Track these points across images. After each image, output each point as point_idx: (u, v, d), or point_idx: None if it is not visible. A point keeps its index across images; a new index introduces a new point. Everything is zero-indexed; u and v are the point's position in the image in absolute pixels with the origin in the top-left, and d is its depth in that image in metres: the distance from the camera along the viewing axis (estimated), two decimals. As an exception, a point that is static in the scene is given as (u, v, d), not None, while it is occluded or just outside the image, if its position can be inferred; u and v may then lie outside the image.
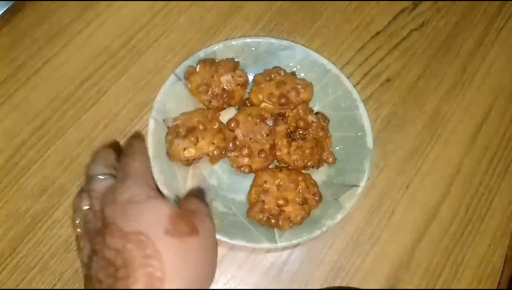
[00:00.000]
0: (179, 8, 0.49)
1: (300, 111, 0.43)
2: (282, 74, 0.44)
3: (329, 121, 0.44)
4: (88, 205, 0.33)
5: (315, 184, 0.42)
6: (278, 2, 0.50)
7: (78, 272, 0.39)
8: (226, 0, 0.50)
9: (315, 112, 0.44)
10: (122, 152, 0.38)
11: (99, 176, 0.34)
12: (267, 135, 0.42)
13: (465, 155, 0.46)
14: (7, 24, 0.46)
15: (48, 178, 0.42)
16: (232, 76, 0.43)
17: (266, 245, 0.39)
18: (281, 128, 0.42)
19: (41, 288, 0.39)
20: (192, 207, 0.34)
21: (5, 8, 0.44)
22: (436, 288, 0.42)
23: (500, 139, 0.47)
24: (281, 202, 0.40)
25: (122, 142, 0.44)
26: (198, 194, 0.41)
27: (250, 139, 0.42)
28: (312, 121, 0.43)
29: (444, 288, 0.42)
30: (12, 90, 0.44)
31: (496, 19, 0.52)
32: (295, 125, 0.43)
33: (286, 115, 0.43)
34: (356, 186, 0.41)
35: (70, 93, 0.45)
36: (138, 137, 0.43)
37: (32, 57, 0.46)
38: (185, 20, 0.49)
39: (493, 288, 0.42)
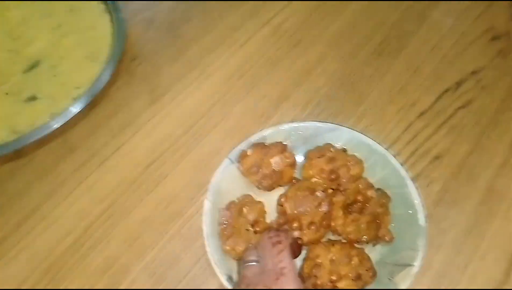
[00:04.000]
0: (235, 98, 0.54)
1: (360, 185, 0.44)
2: (333, 150, 0.46)
3: (390, 199, 0.44)
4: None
5: (369, 259, 0.41)
6: (325, 88, 0.54)
7: None
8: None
9: (376, 188, 0.45)
10: (267, 244, 0.37)
11: (251, 263, 0.36)
12: (316, 207, 0.43)
13: (527, 232, 0.44)
14: (85, 117, 0.53)
15: (111, 257, 0.45)
16: (281, 158, 0.46)
17: (320, 324, 0.38)
18: (338, 199, 0.43)
19: None
20: None
21: (84, 104, 0.51)
22: None
23: None
24: (334, 277, 0.40)
25: (180, 222, 0.46)
26: None
27: (300, 212, 0.43)
28: (371, 196, 0.44)
29: None
30: (85, 175, 0.49)
31: (544, 94, 0.52)
32: (353, 198, 0.44)
33: (343, 188, 0.44)
34: (410, 265, 0.40)
35: (136, 176, 0.49)
36: (285, 232, 0.41)
37: (105, 145, 0.51)
38: (240, 108, 0.53)
39: None
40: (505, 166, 0.47)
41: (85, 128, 0.53)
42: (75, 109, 0.50)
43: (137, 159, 0.50)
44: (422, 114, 0.51)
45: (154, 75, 0.56)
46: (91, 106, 0.52)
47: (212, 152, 0.50)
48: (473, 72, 0.54)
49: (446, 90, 0.52)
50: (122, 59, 0.56)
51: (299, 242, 0.42)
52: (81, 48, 0.56)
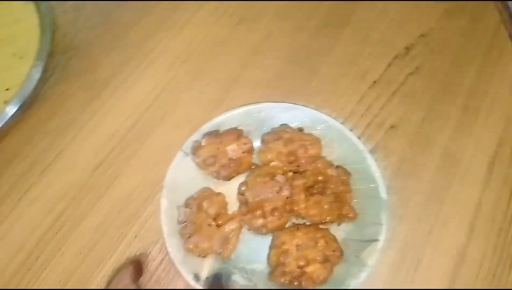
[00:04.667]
0: (181, 85, 0.51)
1: (319, 165, 0.43)
2: (289, 131, 0.45)
3: (350, 175, 0.44)
4: None
5: (335, 239, 0.41)
6: (274, 67, 0.52)
7: None
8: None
9: (336, 165, 0.44)
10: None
11: None
12: (277, 193, 0.42)
13: (483, 192, 0.45)
14: (19, 122, 0.48)
15: (68, 270, 0.42)
16: (237, 145, 0.44)
17: (292, 313, 0.38)
18: (299, 182, 0.42)
19: None
20: None
21: (17, 108, 0.46)
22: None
23: (517, 170, 0.46)
24: (301, 263, 0.39)
25: (137, 224, 0.44)
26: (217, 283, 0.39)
27: (261, 199, 0.42)
28: (331, 175, 0.43)
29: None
30: (27, 186, 0.46)
31: (490, 51, 0.52)
32: (314, 179, 0.43)
33: (303, 170, 0.43)
34: (376, 240, 0.40)
35: (84, 181, 0.46)
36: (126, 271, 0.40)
37: (45, 151, 0.47)
38: (187, 95, 0.51)
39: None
40: (458, 129, 0.48)
41: (20, 134, 0.48)
42: (7, 113, 0.46)
43: (83, 163, 0.47)
44: (373, 84, 0.50)
45: (90, 68, 0.52)
46: (24, 109, 0.48)
47: (163, 146, 0.47)
48: (421, 35, 0.53)
49: (396, 57, 0.52)
50: (53, 53, 0.52)
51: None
52: (7, 45, 0.51)
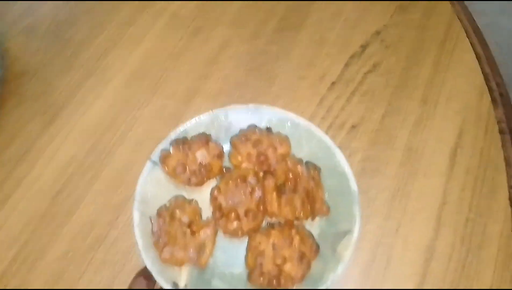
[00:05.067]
0: (141, 101, 0.51)
1: (288, 163, 0.43)
2: (257, 132, 0.45)
3: (320, 170, 0.44)
4: None
5: (309, 235, 0.41)
6: (234, 75, 0.51)
7: None
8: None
9: (304, 161, 0.44)
10: None
11: None
12: (250, 194, 0.42)
13: (447, 184, 0.45)
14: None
15: (36, 303, 0.41)
16: (206, 150, 0.44)
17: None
18: (269, 182, 0.42)
19: None
20: None
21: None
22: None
23: (478, 159, 0.46)
24: (278, 261, 0.39)
25: (103, 248, 0.43)
26: None
27: (235, 202, 0.42)
28: (301, 172, 0.43)
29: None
30: (-13, 220, 0.44)
31: (445, 43, 0.53)
32: (284, 178, 0.43)
33: (273, 169, 0.43)
34: (350, 231, 0.40)
35: (46, 209, 0.45)
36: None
37: (3, 181, 0.46)
38: (148, 111, 0.50)
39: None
40: (419, 123, 0.48)
41: (-24, 166, 0.47)
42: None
43: (44, 190, 0.45)
44: (332, 84, 0.50)
45: (46, 92, 0.51)
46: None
47: (125, 166, 0.47)
48: (376, 32, 0.54)
49: (352, 56, 0.52)
50: (6, 79, 0.50)
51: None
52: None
